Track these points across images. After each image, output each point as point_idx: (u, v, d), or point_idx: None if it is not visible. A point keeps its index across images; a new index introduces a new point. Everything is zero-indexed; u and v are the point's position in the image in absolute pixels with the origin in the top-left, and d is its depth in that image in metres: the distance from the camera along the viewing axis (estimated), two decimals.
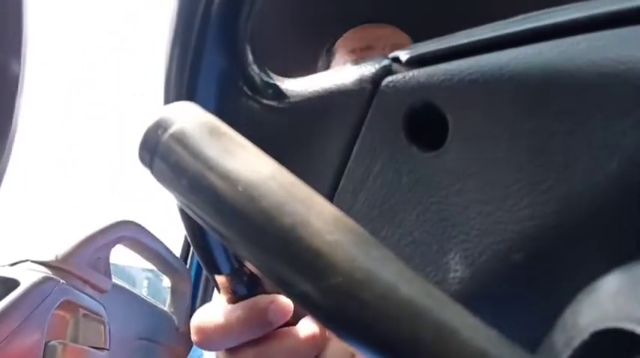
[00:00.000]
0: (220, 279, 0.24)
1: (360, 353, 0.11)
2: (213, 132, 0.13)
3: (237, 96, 0.19)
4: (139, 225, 0.98)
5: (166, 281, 1.24)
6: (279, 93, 0.19)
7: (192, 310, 1.26)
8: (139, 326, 1.01)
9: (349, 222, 0.11)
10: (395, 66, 0.17)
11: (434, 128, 0.16)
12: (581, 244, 0.13)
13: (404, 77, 0.16)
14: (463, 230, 0.15)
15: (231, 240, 0.12)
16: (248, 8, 0.19)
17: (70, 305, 0.79)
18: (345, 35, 0.70)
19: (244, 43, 0.19)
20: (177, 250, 1.28)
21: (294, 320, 0.26)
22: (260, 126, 0.18)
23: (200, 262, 0.23)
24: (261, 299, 0.24)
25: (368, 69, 0.17)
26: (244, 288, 0.24)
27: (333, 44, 0.71)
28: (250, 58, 0.19)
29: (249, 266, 0.23)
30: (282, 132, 0.19)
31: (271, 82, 0.20)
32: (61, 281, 0.78)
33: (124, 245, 0.97)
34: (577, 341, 0.12)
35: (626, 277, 0.12)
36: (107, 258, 0.90)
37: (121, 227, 0.92)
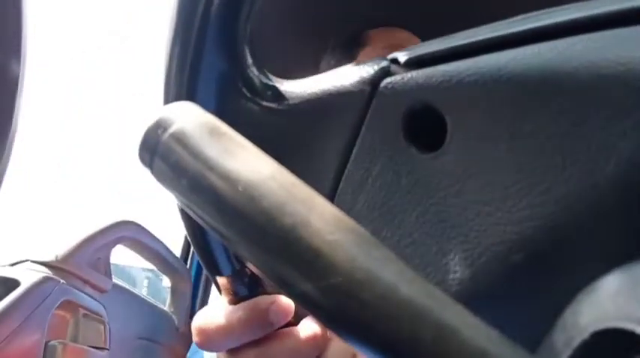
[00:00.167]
0: (221, 280, 0.24)
1: (361, 352, 0.11)
2: (213, 132, 0.13)
3: (236, 97, 0.19)
4: (139, 225, 0.98)
5: (166, 281, 1.24)
6: (278, 95, 0.19)
7: (193, 310, 1.26)
8: (139, 326, 1.01)
9: (350, 222, 0.11)
10: (393, 67, 0.17)
11: (433, 129, 0.16)
12: (580, 244, 0.13)
13: (402, 78, 0.16)
14: (462, 231, 0.15)
15: (231, 240, 0.12)
16: (247, 10, 0.19)
17: (70, 305, 0.79)
18: (372, 31, 0.69)
19: (243, 44, 0.19)
20: (177, 250, 1.28)
21: (296, 321, 0.26)
22: (259, 128, 0.18)
23: (201, 263, 0.23)
24: (262, 299, 0.24)
25: (367, 70, 0.17)
26: (245, 289, 0.24)
27: (340, 43, 0.70)
28: (249, 59, 0.19)
29: (250, 266, 0.23)
30: (282, 133, 0.19)
31: (270, 83, 0.20)
32: (61, 281, 0.78)
33: (124, 245, 0.98)
34: (577, 341, 0.12)
35: (626, 277, 0.12)
36: (107, 258, 0.90)
37: (121, 227, 0.92)
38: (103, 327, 0.86)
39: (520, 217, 0.14)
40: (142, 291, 1.22)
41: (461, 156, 0.15)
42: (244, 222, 0.11)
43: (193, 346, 0.49)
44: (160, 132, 0.13)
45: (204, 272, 0.89)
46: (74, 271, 0.81)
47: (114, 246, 0.92)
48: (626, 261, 0.12)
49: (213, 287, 0.27)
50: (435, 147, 0.15)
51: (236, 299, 0.25)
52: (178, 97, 0.19)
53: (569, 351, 0.12)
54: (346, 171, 0.18)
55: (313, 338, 0.25)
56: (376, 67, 0.17)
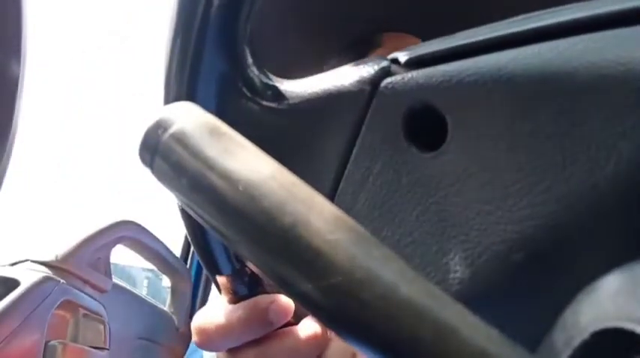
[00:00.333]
0: (221, 280, 0.24)
1: (361, 352, 0.11)
2: (213, 132, 0.13)
3: (236, 97, 0.19)
4: (139, 225, 0.98)
5: (166, 281, 1.24)
6: (278, 95, 0.19)
7: (192, 310, 1.26)
8: (138, 326, 1.01)
9: (350, 221, 0.11)
10: (394, 67, 0.17)
11: (433, 129, 0.16)
12: (581, 244, 0.13)
13: (403, 78, 0.16)
14: (463, 230, 0.15)
15: (231, 239, 0.12)
16: (247, 10, 0.19)
17: (70, 305, 0.79)
18: (387, 34, 0.69)
19: (243, 44, 0.19)
20: (177, 250, 1.28)
21: (296, 321, 0.26)
22: (260, 128, 0.18)
23: (201, 263, 0.23)
24: (262, 299, 0.24)
25: (367, 70, 0.18)
26: (245, 288, 0.24)
27: (350, 44, 0.70)
28: (250, 59, 0.19)
29: (250, 266, 0.23)
30: (282, 133, 0.19)
31: (270, 83, 0.20)
32: (61, 281, 0.78)
33: (124, 245, 0.98)
34: (577, 341, 0.12)
35: (626, 277, 0.12)
36: (107, 258, 0.90)
37: (121, 227, 0.92)
38: (102, 327, 0.86)
39: (520, 216, 0.14)
40: (142, 291, 1.22)
41: (461, 156, 0.15)
42: (244, 221, 0.11)
43: (192, 345, 0.49)
44: (160, 132, 0.13)
45: (204, 272, 0.89)
46: (74, 271, 0.81)
47: (114, 245, 0.92)
48: (626, 261, 0.12)
49: (213, 287, 0.27)
50: (436, 147, 0.15)
51: (236, 298, 0.25)
52: (178, 97, 0.19)
53: (569, 351, 0.12)
54: (346, 171, 0.18)
55: (313, 338, 0.25)
56: (376, 67, 0.17)
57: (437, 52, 0.16)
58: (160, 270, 1.15)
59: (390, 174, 0.16)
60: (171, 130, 0.13)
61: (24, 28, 0.27)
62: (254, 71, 0.19)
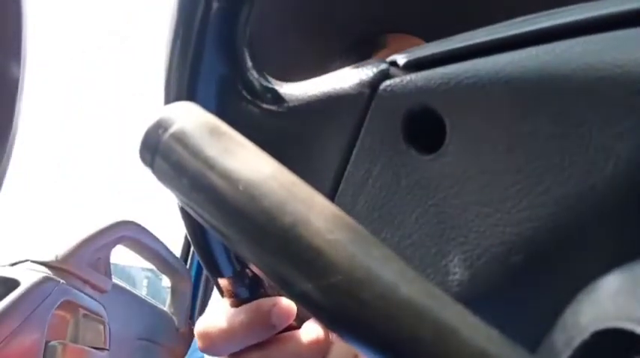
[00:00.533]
0: (223, 282, 0.24)
1: (361, 352, 0.11)
2: (213, 131, 0.13)
3: (236, 100, 0.19)
4: (139, 225, 0.98)
5: (166, 281, 1.24)
6: (277, 98, 0.19)
7: (193, 310, 1.26)
8: (138, 326, 1.01)
9: (350, 221, 0.11)
10: (393, 70, 0.17)
11: (432, 131, 0.16)
12: (580, 245, 0.13)
13: (401, 81, 0.16)
14: (462, 232, 0.15)
15: (231, 239, 0.12)
16: (246, 13, 0.19)
17: (70, 306, 0.79)
18: (392, 35, 0.69)
19: (243, 47, 0.19)
20: (177, 250, 1.28)
21: (298, 324, 0.26)
22: (260, 130, 0.18)
23: (202, 265, 0.23)
24: (264, 302, 0.24)
25: (366, 73, 0.18)
26: (246, 291, 0.24)
27: (353, 46, 0.70)
28: (249, 62, 0.19)
29: (251, 267, 0.23)
30: (282, 135, 0.19)
31: (270, 86, 0.20)
32: (61, 281, 0.78)
33: (124, 245, 0.98)
34: (577, 341, 0.12)
35: (626, 277, 0.12)
36: (107, 258, 0.90)
37: (121, 227, 0.92)
38: (102, 327, 0.86)
39: (519, 218, 0.14)
40: (142, 291, 1.23)
41: (460, 158, 0.15)
42: (245, 221, 0.11)
43: (193, 345, 0.49)
44: (160, 132, 0.13)
45: (205, 272, 0.89)
46: (74, 271, 0.81)
47: (114, 246, 0.92)
48: (625, 261, 0.12)
49: (213, 288, 0.27)
50: (435, 149, 0.16)
51: (237, 301, 0.25)
52: (178, 99, 0.19)
53: (569, 351, 0.12)
54: (346, 173, 0.18)
55: (315, 342, 0.25)
56: (375, 70, 0.17)
57: (435, 54, 0.16)
58: (160, 270, 1.15)
59: (390, 176, 0.17)
60: (172, 130, 0.13)
61: (24, 29, 0.27)
62: (254, 74, 0.20)
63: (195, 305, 1.31)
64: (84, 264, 0.83)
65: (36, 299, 0.73)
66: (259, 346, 0.25)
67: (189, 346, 0.51)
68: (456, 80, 0.15)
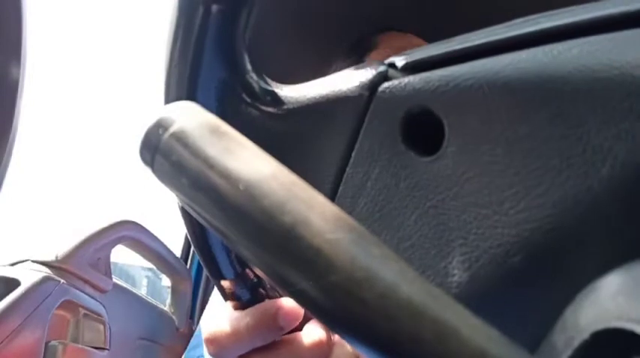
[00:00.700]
0: (225, 284, 0.24)
1: (361, 352, 0.11)
2: (213, 131, 0.13)
3: (236, 103, 0.19)
4: (139, 225, 0.98)
5: (165, 280, 1.24)
6: (277, 100, 0.19)
7: (193, 310, 1.26)
8: (139, 326, 1.01)
9: (350, 221, 0.11)
10: (391, 71, 0.17)
11: (431, 133, 0.16)
12: (578, 246, 0.13)
13: (400, 83, 0.16)
14: (460, 234, 0.15)
15: (232, 238, 0.12)
16: (245, 17, 0.19)
17: (70, 305, 0.79)
18: (384, 34, 0.69)
19: (242, 51, 0.19)
20: (177, 250, 1.28)
21: (299, 326, 0.26)
22: (259, 132, 0.18)
23: (204, 267, 0.23)
24: (270, 304, 0.24)
25: (365, 75, 0.18)
26: (248, 293, 0.24)
27: (351, 47, 0.70)
28: (249, 66, 0.20)
29: (252, 268, 0.23)
30: (281, 137, 0.19)
31: (269, 89, 0.20)
32: (62, 281, 0.78)
33: (125, 245, 0.98)
34: (577, 341, 0.12)
35: (626, 277, 0.12)
36: (108, 258, 0.90)
37: (121, 227, 0.92)
38: (103, 327, 0.86)
39: (517, 220, 0.14)
40: (141, 290, 1.22)
41: (458, 160, 0.15)
42: (245, 220, 0.11)
43: (191, 343, 0.49)
44: (160, 131, 0.13)
45: (205, 272, 0.89)
46: (74, 271, 0.81)
47: (114, 245, 0.92)
48: (623, 262, 0.12)
49: (213, 287, 0.27)
50: (433, 151, 0.16)
51: (240, 304, 0.25)
52: (178, 101, 0.19)
53: (569, 351, 0.12)
54: (345, 175, 0.18)
55: (318, 344, 0.25)
56: (374, 72, 0.17)
57: (434, 56, 0.16)
58: (160, 270, 1.15)
59: (389, 178, 0.17)
60: (172, 129, 0.13)
61: (24, 30, 0.27)
62: (253, 77, 0.20)
63: (196, 305, 1.31)
64: (84, 263, 0.83)
65: (36, 298, 0.73)
66: (262, 349, 0.25)
67: (189, 344, 0.51)
68: (454, 82, 0.15)
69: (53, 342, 0.76)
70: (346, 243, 0.11)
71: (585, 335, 0.12)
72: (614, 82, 0.12)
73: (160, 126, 0.13)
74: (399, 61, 0.17)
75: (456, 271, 0.15)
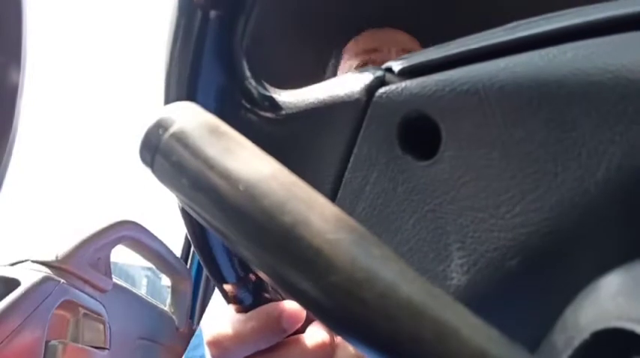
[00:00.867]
0: (227, 288, 0.24)
1: (362, 351, 0.11)
2: (213, 131, 0.13)
3: (235, 108, 0.20)
4: (139, 225, 0.98)
5: (165, 280, 1.24)
6: (275, 105, 0.20)
7: (193, 310, 1.26)
8: (139, 325, 1.01)
9: (350, 221, 0.11)
10: (388, 76, 0.17)
11: (428, 137, 0.16)
12: (575, 249, 0.13)
13: (397, 88, 0.17)
14: (458, 238, 0.15)
15: (232, 239, 0.12)
16: (243, 23, 0.19)
17: (70, 305, 0.79)
18: (354, 38, 0.70)
19: (241, 57, 0.19)
20: (177, 250, 1.28)
21: (302, 328, 0.26)
22: (258, 137, 0.19)
23: (206, 271, 0.23)
24: (272, 307, 0.24)
25: (362, 80, 0.18)
26: (250, 296, 0.25)
27: (342, 48, 0.71)
28: (247, 72, 0.20)
29: (254, 269, 0.23)
30: (280, 142, 0.19)
31: (267, 94, 0.20)
32: (62, 280, 0.78)
33: (125, 245, 0.98)
34: (577, 341, 0.12)
35: (626, 277, 0.12)
36: (107, 258, 0.90)
37: (121, 227, 0.92)
38: (103, 327, 0.86)
39: (514, 223, 0.14)
40: (141, 290, 1.22)
41: (455, 164, 0.15)
42: (245, 220, 0.11)
43: (191, 343, 0.49)
44: (160, 131, 0.13)
45: (205, 272, 0.89)
46: (74, 271, 0.81)
47: (114, 245, 0.92)
48: (625, 261, 0.12)
49: (214, 287, 0.27)
50: (430, 155, 0.16)
51: (242, 308, 0.25)
52: None
53: (569, 351, 0.12)
54: (344, 179, 0.18)
55: (321, 346, 0.26)
56: (371, 77, 0.18)
57: (430, 61, 0.16)
58: (160, 270, 1.15)
59: (387, 183, 0.17)
60: (172, 130, 0.13)
61: (24, 30, 0.27)
62: (252, 82, 0.20)
63: (195, 305, 1.31)
64: (84, 263, 0.83)
65: (36, 298, 0.73)
66: (265, 351, 0.25)
67: (190, 344, 0.51)
68: (451, 87, 0.15)
69: (53, 342, 0.76)
70: (346, 244, 0.11)
71: (585, 334, 0.12)
72: (609, 86, 0.12)
73: (160, 127, 0.13)
74: (396, 65, 0.17)
75: (454, 275, 0.15)
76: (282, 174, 0.12)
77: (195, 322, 1.24)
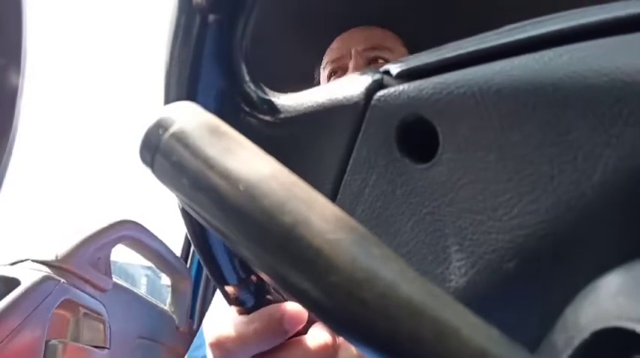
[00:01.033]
0: (229, 290, 0.24)
1: (362, 351, 0.11)
2: (213, 131, 0.13)
3: (234, 112, 0.20)
4: (139, 225, 0.98)
5: (164, 279, 1.24)
6: (274, 109, 0.20)
7: (193, 309, 1.26)
8: (139, 325, 1.01)
9: (350, 221, 0.11)
10: (386, 79, 0.17)
11: (426, 140, 0.16)
12: (572, 251, 0.13)
13: (395, 91, 0.17)
14: (456, 240, 0.15)
15: (232, 239, 0.12)
16: (242, 26, 0.19)
17: (70, 305, 0.79)
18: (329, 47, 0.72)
19: (240, 61, 0.20)
20: (177, 250, 1.28)
21: (304, 329, 0.26)
22: (258, 140, 0.19)
23: (208, 273, 0.23)
24: (274, 309, 0.25)
25: (360, 83, 0.18)
26: (252, 298, 0.25)
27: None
28: (246, 76, 0.20)
29: (256, 271, 0.23)
30: (279, 145, 0.19)
31: (266, 97, 0.20)
32: (62, 280, 0.78)
33: (125, 244, 0.98)
34: (578, 341, 0.12)
35: (626, 277, 0.12)
36: (108, 258, 0.90)
37: (121, 226, 0.92)
38: (103, 326, 0.86)
39: (511, 225, 0.14)
40: (141, 289, 1.22)
41: (453, 166, 0.15)
42: (245, 220, 0.11)
43: (194, 343, 0.49)
44: (160, 131, 0.13)
45: (205, 271, 0.89)
46: (74, 270, 0.81)
47: (114, 245, 0.92)
48: (624, 261, 0.12)
49: (214, 287, 0.28)
50: (429, 158, 0.16)
51: (244, 310, 0.25)
52: None
53: (569, 350, 0.12)
54: (343, 181, 0.18)
55: (323, 348, 0.26)
56: (370, 80, 0.18)
57: (427, 64, 0.16)
58: (161, 270, 1.15)
59: (386, 185, 0.17)
60: (172, 130, 0.13)
61: (24, 31, 0.27)
62: (251, 86, 0.20)
63: (196, 304, 1.31)
64: (84, 263, 0.83)
65: (36, 298, 0.73)
66: (268, 353, 0.25)
67: (190, 344, 0.51)
68: (448, 90, 0.15)
69: (53, 341, 0.76)
70: (346, 244, 0.11)
71: (585, 334, 0.12)
72: (604, 88, 0.12)
73: (160, 127, 0.13)
74: (394, 68, 0.17)
75: (452, 277, 0.15)
76: (283, 174, 0.12)
77: (195, 321, 1.24)
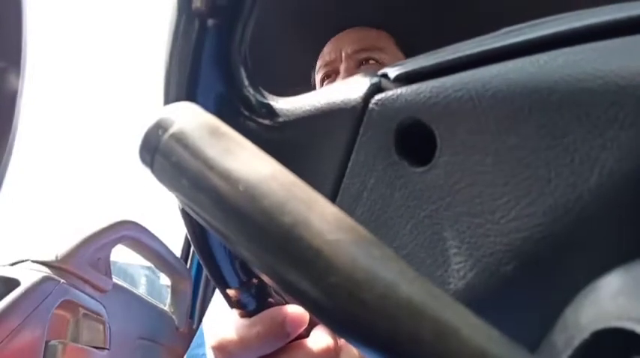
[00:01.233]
0: (230, 293, 0.24)
1: (362, 352, 0.11)
2: (213, 132, 0.13)
3: (233, 115, 0.20)
4: (139, 225, 0.98)
5: (164, 279, 1.24)
6: (272, 113, 0.20)
7: (192, 310, 1.26)
8: (139, 325, 1.01)
9: (350, 221, 0.11)
10: (384, 82, 0.17)
11: (423, 144, 0.16)
12: (569, 253, 0.13)
13: (392, 95, 0.17)
14: (454, 243, 0.15)
15: (232, 239, 0.12)
16: (241, 31, 0.19)
17: (70, 305, 0.79)
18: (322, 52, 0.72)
19: (239, 65, 0.20)
20: (177, 250, 1.28)
21: (306, 332, 0.26)
22: (257, 144, 0.19)
23: (209, 276, 0.23)
24: (276, 312, 0.25)
25: (358, 87, 0.18)
26: (253, 301, 0.25)
27: None
28: (245, 80, 0.20)
29: (253, 269, 0.23)
30: (278, 149, 0.19)
31: (265, 101, 0.20)
32: (62, 280, 0.78)
33: (125, 245, 0.98)
34: (578, 341, 0.12)
35: (626, 277, 0.12)
36: (107, 258, 0.90)
37: (121, 227, 0.92)
38: (103, 327, 0.86)
39: (509, 228, 0.14)
40: (140, 289, 1.22)
41: (450, 170, 0.15)
42: (245, 221, 0.11)
43: (194, 342, 0.49)
44: (160, 132, 0.13)
45: (204, 271, 0.89)
46: (74, 271, 0.81)
47: (114, 245, 0.92)
48: (624, 261, 0.12)
49: (214, 287, 0.28)
50: (426, 161, 0.16)
51: (245, 313, 0.25)
52: None
53: (569, 351, 0.12)
54: (342, 185, 0.18)
55: (325, 350, 0.26)
56: (368, 84, 0.18)
57: (425, 67, 0.16)
58: (160, 270, 1.15)
59: (384, 188, 0.17)
60: (172, 130, 0.13)
61: (25, 33, 0.27)
62: (250, 90, 0.20)
63: (195, 305, 1.31)
64: (84, 263, 0.83)
65: (36, 298, 0.73)
66: (270, 355, 0.25)
67: (189, 345, 0.51)
68: (445, 93, 0.15)
69: (53, 342, 0.76)
70: (346, 244, 0.11)
71: (586, 334, 0.12)
72: (599, 92, 0.12)
73: (159, 127, 0.13)
74: (392, 72, 0.17)
75: (451, 280, 0.15)
76: (282, 174, 0.12)
77: (195, 322, 1.24)
